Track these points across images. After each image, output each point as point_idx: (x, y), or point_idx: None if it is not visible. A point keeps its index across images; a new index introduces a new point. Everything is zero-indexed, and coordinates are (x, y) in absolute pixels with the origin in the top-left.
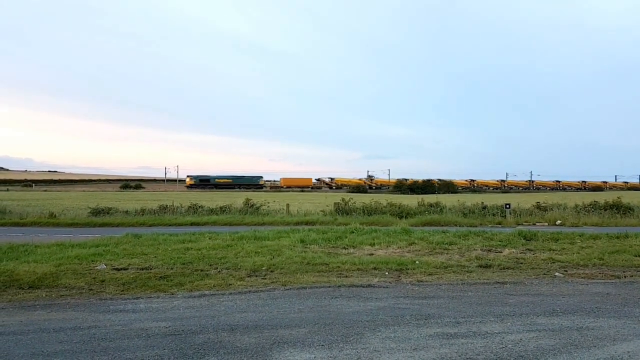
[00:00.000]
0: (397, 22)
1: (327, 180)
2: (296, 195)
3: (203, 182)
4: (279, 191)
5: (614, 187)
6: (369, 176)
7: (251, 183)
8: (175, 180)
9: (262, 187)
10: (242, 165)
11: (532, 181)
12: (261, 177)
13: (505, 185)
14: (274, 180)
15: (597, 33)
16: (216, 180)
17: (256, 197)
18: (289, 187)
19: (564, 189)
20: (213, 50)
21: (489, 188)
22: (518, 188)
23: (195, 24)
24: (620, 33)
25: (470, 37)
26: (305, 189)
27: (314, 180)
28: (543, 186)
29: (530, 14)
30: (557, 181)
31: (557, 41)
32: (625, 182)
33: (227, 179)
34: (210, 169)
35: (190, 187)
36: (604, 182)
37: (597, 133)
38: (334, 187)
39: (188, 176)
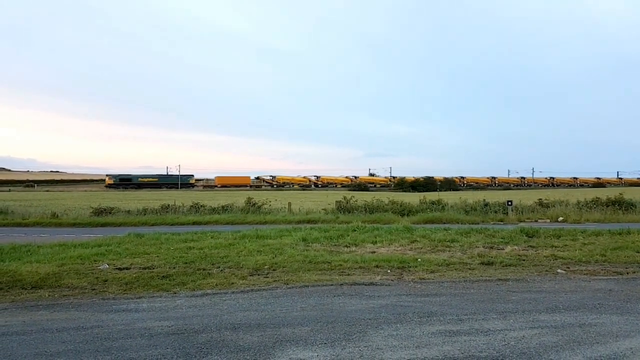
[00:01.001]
0: (397, 19)
1: (267, 178)
2: (297, 193)
3: (124, 182)
4: (213, 190)
5: (609, 182)
6: (371, 173)
7: (180, 182)
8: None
9: (192, 186)
10: (242, 164)
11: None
12: (192, 175)
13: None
14: (207, 179)
15: (599, 28)
16: (139, 179)
17: (257, 195)
18: (224, 186)
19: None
20: (214, 50)
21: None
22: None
23: (196, 23)
24: (622, 29)
25: (471, 34)
26: (242, 188)
27: (252, 179)
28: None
29: (532, 9)
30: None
31: (558, 36)
32: (620, 178)
33: (152, 177)
34: (211, 169)
35: (109, 186)
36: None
37: (598, 129)
38: (275, 186)
39: (107, 175)
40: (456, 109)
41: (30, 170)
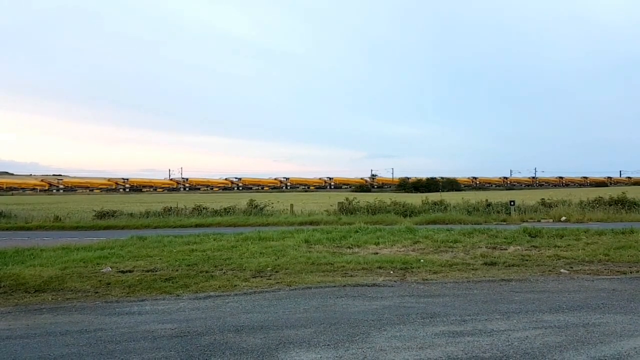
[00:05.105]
0: (399, 19)
1: None
2: (300, 195)
3: None
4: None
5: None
6: (373, 174)
7: None
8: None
9: None
10: (245, 166)
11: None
12: None
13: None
14: None
15: (602, 26)
16: None
17: (260, 197)
18: None
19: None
20: (216, 52)
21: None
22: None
23: (197, 25)
24: (626, 26)
25: (473, 33)
26: None
27: None
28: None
29: (534, 7)
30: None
31: (561, 34)
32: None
33: None
34: (214, 170)
35: None
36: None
37: (600, 127)
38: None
39: None
40: (458, 109)
41: (33, 174)
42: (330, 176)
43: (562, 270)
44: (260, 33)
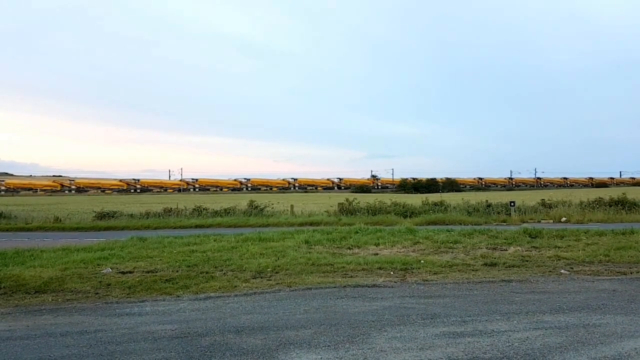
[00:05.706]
0: (399, 19)
1: None
2: (300, 195)
3: None
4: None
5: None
6: (373, 175)
7: None
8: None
9: None
10: (246, 166)
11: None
12: None
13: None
14: None
15: (601, 27)
16: None
17: (260, 198)
18: None
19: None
20: (216, 52)
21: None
22: (526, 185)
23: (197, 26)
24: (624, 27)
25: (473, 33)
26: None
27: None
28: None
29: (533, 7)
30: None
31: (560, 35)
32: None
33: None
34: (213, 171)
35: None
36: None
37: (601, 128)
38: None
39: None
40: (459, 109)
41: (33, 175)
42: (295, 177)
43: (562, 271)
44: (260, 33)
